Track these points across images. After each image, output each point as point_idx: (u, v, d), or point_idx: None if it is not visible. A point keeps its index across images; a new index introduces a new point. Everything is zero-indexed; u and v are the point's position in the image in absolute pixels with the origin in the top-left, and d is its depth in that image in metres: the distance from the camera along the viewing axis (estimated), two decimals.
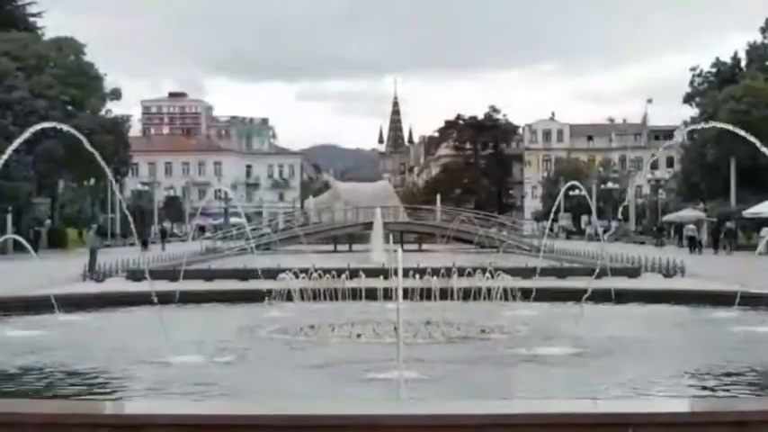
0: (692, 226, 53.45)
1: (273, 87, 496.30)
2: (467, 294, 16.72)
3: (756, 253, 24.22)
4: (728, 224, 51.40)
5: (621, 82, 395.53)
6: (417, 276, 16.91)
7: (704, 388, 10.01)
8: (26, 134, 12.80)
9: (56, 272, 18.43)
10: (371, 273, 18.63)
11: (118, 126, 63.32)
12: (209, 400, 8.92)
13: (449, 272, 18.29)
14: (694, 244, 49.87)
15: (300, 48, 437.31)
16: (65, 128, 13.77)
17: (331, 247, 60.33)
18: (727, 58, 69.22)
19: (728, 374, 10.56)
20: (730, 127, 14.51)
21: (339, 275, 18.02)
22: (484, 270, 18.49)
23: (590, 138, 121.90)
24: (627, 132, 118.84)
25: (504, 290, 16.40)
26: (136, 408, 7.52)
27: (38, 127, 12.89)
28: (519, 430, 5.94)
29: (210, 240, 57.74)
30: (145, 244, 58.07)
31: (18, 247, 45.47)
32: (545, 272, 25.75)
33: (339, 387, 10.00)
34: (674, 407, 7.35)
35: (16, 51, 53.43)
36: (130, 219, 22.73)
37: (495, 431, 5.94)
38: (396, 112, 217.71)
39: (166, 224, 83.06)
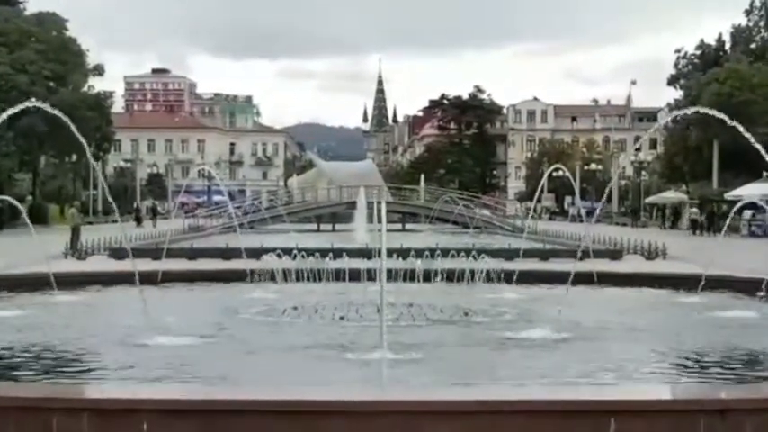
0: (694, 209, 54.47)
1: (257, 65, 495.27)
2: (450, 276, 16.75)
3: (721, 235, 24.67)
4: (724, 207, 51.93)
5: (606, 63, 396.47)
6: (401, 258, 16.90)
7: (681, 374, 10.13)
8: (6, 114, 12.62)
9: (37, 249, 18.27)
10: (355, 253, 18.62)
11: (100, 102, 62.74)
12: (190, 384, 8.87)
13: (432, 253, 18.31)
14: (696, 226, 51.39)
15: (284, 26, 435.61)
16: (44, 106, 13.51)
17: (314, 227, 60.20)
18: (711, 41, 69.35)
19: (699, 357, 10.73)
20: (712, 112, 14.46)
21: (323, 256, 18.00)
22: (467, 252, 18.54)
23: (574, 119, 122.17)
24: (611, 114, 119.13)
25: (488, 272, 16.43)
26: (116, 392, 7.46)
27: (19, 108, 12.68)
28: (498, 417, 5.94)
29: (194, 218, 57.50)
30: (139, 221, 57.89)
31: None
32: (528, 253, 25.75)
33: (322, 369, 9.98)
34: (656, 394, 7.38)
35: None
36: (109, 197, 22.44)
37: (474, 417, 5.94)
38: (380, 90, 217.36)
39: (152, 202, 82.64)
